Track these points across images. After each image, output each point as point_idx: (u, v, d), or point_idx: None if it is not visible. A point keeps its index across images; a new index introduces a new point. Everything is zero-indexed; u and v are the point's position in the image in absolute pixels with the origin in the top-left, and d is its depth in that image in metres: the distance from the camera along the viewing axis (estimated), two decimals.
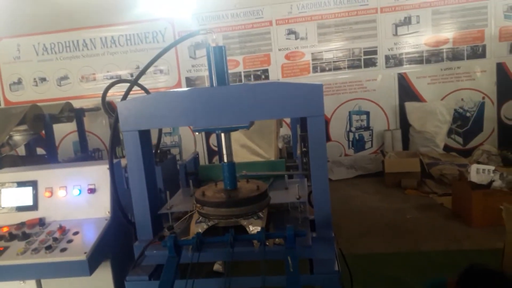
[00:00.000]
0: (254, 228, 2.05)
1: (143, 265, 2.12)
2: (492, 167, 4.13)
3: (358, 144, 7.05)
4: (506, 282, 1.51)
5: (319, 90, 1.90)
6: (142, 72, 2.16)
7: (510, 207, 2.46)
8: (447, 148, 6.69)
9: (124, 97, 2.16)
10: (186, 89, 2.19)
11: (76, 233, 2.12)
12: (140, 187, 2.15)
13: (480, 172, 4.07)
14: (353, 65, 6.85)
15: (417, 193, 5.68)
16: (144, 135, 2.14)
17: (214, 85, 2.01)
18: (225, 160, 2.20)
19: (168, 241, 1.88)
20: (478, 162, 5.13)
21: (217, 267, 3.73)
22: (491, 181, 4.05)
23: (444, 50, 6.63)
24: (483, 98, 6.64)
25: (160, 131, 2.77)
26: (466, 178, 4.26)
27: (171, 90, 2.00)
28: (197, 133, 6.93)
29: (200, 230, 2.05)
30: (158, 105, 1.98)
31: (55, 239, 2.06)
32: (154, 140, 2.48)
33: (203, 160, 6.98)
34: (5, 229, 2.18)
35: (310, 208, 2.43)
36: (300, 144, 2.84)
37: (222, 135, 2.19)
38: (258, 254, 1.99)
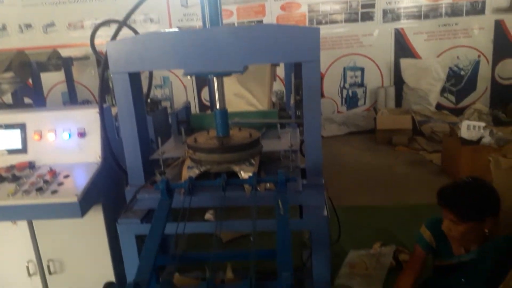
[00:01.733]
0: (245, 174, 2.07)
1: (135, 209, 2.15)
2: (482, 124, 4.17)
3: (351, 101, 7.04)
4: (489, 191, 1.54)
5: (315, 34, 1.85)
6: (131, 12, 2.08)
7: (498, 158, 2.51)
8: (439, 107, 6.71)
9: (113, 37, 2.09)
10: (177, 30, 2.11)
11: (66, 177, 2.12)
12: (131, 131, 2.13)
13: (470, 129, 4.11)
14: (350, 18, 6.70)
15: (408, 150, 5.76)
16: (134, 78, 2.10)
17: (207, 26, 1.95)
18: (218, 106, 2.17)
19: (160, 184, 1.89)
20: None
21: (208, 216, 3.79)
22: (481, 138, 4.10)
23: (443, 4, 6.49)
24: (479, 56, 6.59)
25: (150, 77, 2.72)
26: (457, 134, 4.30)
27: (163, 30, 1.93)
28: (188, 80, 6.76)
29: (192, 175, 2.05)
30: (149, 46, 1.92)
31: (45, 182, 2.06)
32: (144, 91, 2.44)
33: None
34: None
35: (302, 158, 2.45)
36: (294, 93, 2.82)
37: (215, 80, 2.15)
38: (250, 199, 2.02)
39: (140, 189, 2.15)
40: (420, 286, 1.85)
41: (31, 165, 2.22)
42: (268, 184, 2.09)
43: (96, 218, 2.23)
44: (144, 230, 1.98)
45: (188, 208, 1.89)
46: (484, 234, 1.56)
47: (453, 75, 6.70)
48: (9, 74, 4.68)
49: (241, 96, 3.11)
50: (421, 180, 4.48)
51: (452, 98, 6.86)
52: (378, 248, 2.98)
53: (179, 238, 1.72)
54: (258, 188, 2.05)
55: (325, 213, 2.12)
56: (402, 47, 6.66)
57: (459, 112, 6.55)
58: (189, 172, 2.09)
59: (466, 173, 4.04)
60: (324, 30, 6.69)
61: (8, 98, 5.59)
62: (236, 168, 2.09)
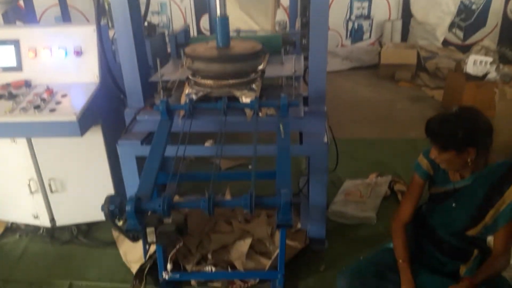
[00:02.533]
0: (247, 99, 2.04)
1: (135, 131, 2.15)
2: (490, 59, 4.07)
3: (356, 34, 6.82)
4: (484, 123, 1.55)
5: None
6: None
7: (504, 89, 2.46)
8: (446, 43, 6.53)
9: None
10: None
11: (64, 96, 2.09)
12: (129, 52, 2.07)
13: (477, 64, 4.02)
14: None
15: (410, 85, 5.68)
16: None
17: None
18: (218, 13, 2.04)
19: (160, 105, 1.87)
20: None
21: (207, 145, 3.82)
22: (486, 73, 4.03)
23: None
24: None
25: None
26: (462, 69, 4.22)
27: None
28: (187, 7, 6.38)
29: (192, 98, 2.02)
30: None
31: (43, 100, 2.04)
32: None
33: None
34: None
35: (304, 86, 2.41)
36: (300, 15, 2.70)
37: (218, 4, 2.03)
38: (251, 124, 2.01)
39: (139, 111, 2.14)
40: (416, 211, 1.89)
41: (27, 84, 2.18)
42: (269, 110, 2.08)
43: (95, 139, 2.24)
44: (144, 151, 1.99)
45: (189, 131, 1.89)
46: (469, 163, 1.57)
47: (464, 9, 6.44)
48: None
49: (244, 22, 2.99)
50: (421, 115, 4.47)
51: (460, 34, 6.65)
52: (374, 178, 3.04)
53: (179, 161, 1.73)
54: (260, 114, 2.04)
55: (325, 140, 2.13)
56: None
57: (466, 49, 6.37)
58: (188, 96, 2.05)
59: None
60: None
61: None
62: (237, 93, 2.06)
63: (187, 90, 2.10)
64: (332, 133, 2.37)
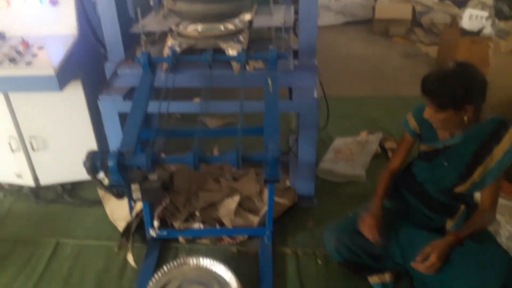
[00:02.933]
0: (233, 51, 1.98)
1: (117, 86, 2.09)
2: (485, 13, 4.00)
3: None
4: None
5: None
6: None
7: (499, 42, 2.43)
8: None
9: None
10: None
11: (40, 48, 2.01)
12: (108, 1, 1.98)
13: (472, 18, 3.95)
14: None
15: (404, 41, 5.60)
16: None
17: None
18: None
19: (141, 58, 1.81)
20: None
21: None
22: (482, 28, 3.97)
23: None
24: None
25: None
26: (457, 24, 4.15)
27: None
28: None
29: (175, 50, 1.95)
30: None
31: (18, 53, 1.96)
32: None
33: None
34: None
35: (295, 39, 2.34)
36: None
37: None
38: (238, 78, 1.97)
39: (120, 64, 2.08)
40: (405, 168, 1.91)
41: (1, 36, 2.09)
42: (257, 64, 2.03)
43: (76, 94, 2.18)
44: (127, 107, 1.94)
45: (172, 85, 1.84)
46: (465, 121, 1.56)
47: None
48: None
49: None
50: (415, 72, 4.43)
51: None
52: (365, 135, 3.04)
53: (164, 117, 1.69)
54: (247, 67, 1.99)
55: (315, 94, 2.09)
56: None
57: (462, 4, 6.23)
58: (172, 48, 1.99)
59: None
60: None
61: None
62: (223, 45, 2.00)
63: (170, 42, 2.03)
64: (323, 89, 2.33)
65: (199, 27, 2.08)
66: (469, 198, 1.77)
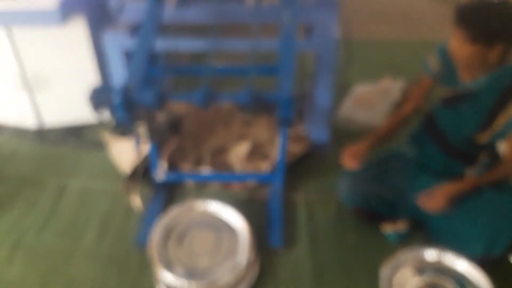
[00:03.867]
0: None
1: (123, 22, 2.05)
2: None
3: None
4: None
5: None
6: None
7: None
8: None
9: None
10: None
11: None
12: None
13: None
14: None
15: None
16: None
17: None
18: None
19: None
20: None
21: None
22: None
23: None
24: None
25: None
26: None
27: None
28: None
29: None
30: None
31: None
32: None
33: None
34: None
35: None
36: None
37: None
38: (251, 13, 1.91)
39: None
40: (426, 117, 1.88)
41: None
42: None
43: (79, 30, 2.16)
44: (133, 45, 1.92)
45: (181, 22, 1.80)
46: (490, 64, 1.51)
47: None
48: None
49: None
50: (444, 16, 4.27)
51: None
52: (387, 82, 2.98)
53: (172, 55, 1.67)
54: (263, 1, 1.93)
55: (336, 34, 2.03)
56: None
57: None
58: None
59: None
60: None
61: None
62: None
63: None
64: (344, 32, 2.26)
65: None
66: (492, 148, 1.74)
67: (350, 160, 1.75)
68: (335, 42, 2.03)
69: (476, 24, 1.44)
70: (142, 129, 1.56)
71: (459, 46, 1.50)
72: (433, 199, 1.63)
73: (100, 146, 2.43)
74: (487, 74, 1.57)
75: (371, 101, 2.79)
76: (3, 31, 2.12)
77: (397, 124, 1.89)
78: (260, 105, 1.44)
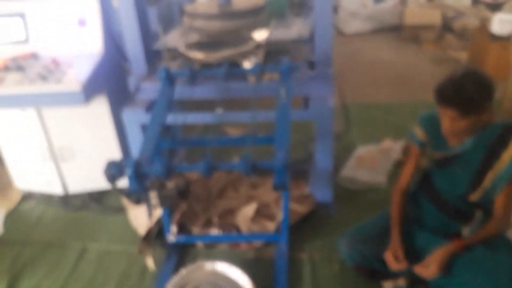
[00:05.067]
0: (249, 65, 2.11)
1: (139, 99, 2.26)
2: None
3: None
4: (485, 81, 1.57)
5: None
6: None
7: None
8: (475, 1, 6.31)
9: None
10: None
11: (69, 66, 2.21)
12: (130, 19, 2.16)
13: (502, 23, 3.93)
14: None
15: (435, 47, 5.58)
16: None
17: None
18: None
19: (161, 73, 1.97)
20: None
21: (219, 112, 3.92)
22: None
23: None
24: None
25: None
26: (487, 29, 4.13)
27: None
28: None
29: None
30: None
31: (49, 71, 2.16)
32: None
33: None
34: (0, 62, 2.26)
35: (310, 49, 2.45)
36: None
37: None
38: (253, 89, 2.09)
39: (143, 79, 2.25)
40: (421, 178, 1.96)
41: (34, 56, 2.30)
42: (274, 75, 2.14)
43: (102, 108, 2.37)
44: (149, 120, 2.10)
45: (190, 99, 1.98)
46: (480, 125, 1.60)
47: None
48: None
49: None
50: None
51: None
52: (388, 143, 3.08)
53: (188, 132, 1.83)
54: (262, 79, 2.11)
55: (331, 103, 2.18)
56: None
57: (497, 8, 6.15)
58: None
59: (493, 71, 4.01)
60: None
61: None
62: (239, 59, 2.13)
63: (191, 53, 2.18)
64: (343, 97, 2.41)
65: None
66: (487, 204, 1.79)
67: (396, 264, 1.77)
68: (331, 111, 2.17)
69: (462, 100, 1.52)
70: (153, 197, 1.70)
71: (453, 123, 1.58)
72: (428, 267, 1.66)
73: (120, 210, 2.58)
74: (473, 135, 1.65)
75: (373, 161, 2.88)
76: (33, 110, 2.36)
77: (403, 203, 1.93)
78: (259, 171, 1.56)
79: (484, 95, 1.53)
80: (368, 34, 6.48)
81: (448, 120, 1.59)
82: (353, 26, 6.59)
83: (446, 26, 5.78)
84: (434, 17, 5.78)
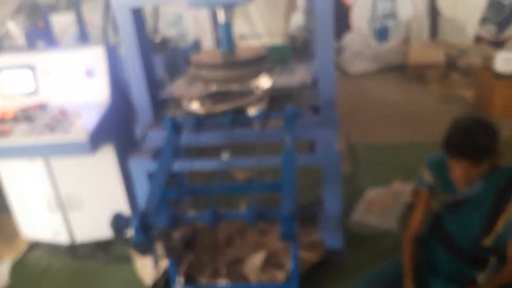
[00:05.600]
0: (253, 112, 2.12)
1: (146, 147, 2.27)
2: None
3: (381, 35, 6.79)
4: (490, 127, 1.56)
5: None
6: None
7: None
8: (478, 39, 6.41)
9: None
10: None
11: (77, 116, 2.24)
12: (137, 69, 2.20)
13: (506, 61, 3.96)
14: None
15: (440, 86, 5.61)
16: (137, 15, 2.13)
17: None
18: (222, 19, 2.14)
19: (166, 122, 1.99)
20: None
21: (224, 156, 3.92)
22: None
23: None
24: None
25: (155, 13, 2.73)
26: (491, 67, 4.16)
27: None
28: (203, 16, 6.50)
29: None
30: None
31: (57, 121, 2.19)
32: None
33: None
34: (10, 113, 2.31)
35: (315, 94, 2.47)
36: (308, 23, 2.79)
37: (221, 13, 2.15)
38: (257, 135, 2.09)
39: (150, 127, 2.27)
40: (432, 222, 1.92)
41: (43, 106, 2.35)
42: (278, 120, 2.15)
43: (108, 157, 2.39)
44: (155, 168, 2.11)
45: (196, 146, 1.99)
46: (489, 167, 1.59)
47: (494, 4, 6.31)
48: (20, 17, 4.77)
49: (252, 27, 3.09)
50: (451, 117, 4.41)
51: (493, 29, 6.51)
52: (398, 185, 3.04)
53: (195, 177, 1.83)
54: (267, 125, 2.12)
55: (337, 148, 2.18)
56: None
57: (500, 45, 6.24)
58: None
59: (500, 110, 4.01)
60: None
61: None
62: (244, 106, 2.15)
63: (194, 105, 2.21)
64: (350, 140, 2.41)
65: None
66: (500, 249, 1.74)
67: None
68: (338, 155, 2.16)
69: (475, 150, 1.52)
70: (159, 248, 1.67)
71: (465, 172, 1.56)
72: None
73: (127, 260, 2.53)
74: (482, 179, 1.63)
75: (383, 205, 2.84)
76: (41, 160, 2.38)
77: (415, 250, 1.88)
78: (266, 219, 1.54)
79: (493, 139, 1.53)
80: (373, 74, 6.55)
81: (461, 170, 1.57)
82: (358, 66, 6.68)
83: (451, 65, 5.84)
84: (438, 55, 5.85)
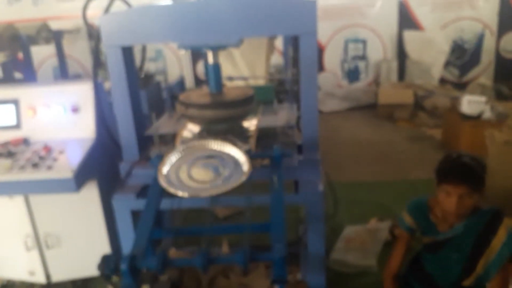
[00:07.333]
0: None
1: (130, 184, 2.21)
2: (483, 99, 4.21)
3: (352, 75, 7.03)
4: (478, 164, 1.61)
5: (312, 6, 1.87)
6: None
7: (493, 133, 2.56)
8: (442, 81, 6.73)
9: (106, 10, 2.11)
10: (171, 2, 2.13)
11: (61, 152, 2.17)
12: (124, 106, 2.17)
13: (471, 103, 4.15)
14: None
15: (409, 125, 5.81)
16: (127, 52, 2.13)
17: None
18: (210, 60, 2.13)
19: (154, 160, 1.95)
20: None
21: None
22: (481, 113, 4.15)
23: None
24: (484, 29, 6.56)
25: (143, 51, 2.74)
26: (457, 109, 4.35)
27: (156, 3, 1.95)
28: (183, 56, 6.63)
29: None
30: (143, 19, 1.95)
31: (41, 158, 2.12)
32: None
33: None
34: None
35: (298, 134, 2.50)
36: (291, 66, 2.85)
37: (210, 55, 2.17)
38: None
39: (134, 165, 2.22)
40: (412, 261, 1.94)
41: (26, 141, 2.27)
42: (263, 161, 2.15)
43: (91, 194, 2.30)
44: (140, 205, 2.04)
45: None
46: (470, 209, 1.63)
47: (457, 48, 6.68)
48: None
49: (237, 70, 3.14)
50: (421, 155, 4.55)
51: (456, 72, 6.86)
52: (375, 223, 3.07)
53: (175, 213, 1.79)
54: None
55: (320, 188, 2.18)
56: (406, 19, 6.62)
57: (462, 87, 6.57)
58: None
59: (466, 148, 4.17)
60: (326, 1, 6.62)
61: None
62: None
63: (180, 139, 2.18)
64: (329, 179, 2.43)
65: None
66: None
67: None
68: (321, 195, 2.16)
69: (473, 175, 1.57)
70: None
71: (460, 202, 1.59)
72: None
73: None
74: (462, 221, 1.66)
75: (362, 242, 2.85)
76: (20, 197, 2.27)
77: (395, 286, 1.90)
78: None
79: (485, 172, 1.58)
80: (344, 112, 6.73)
81: (457, 199, 1.59)
82: (330, 104, 6.85)
83: (418, 105, 6.07)
84: (406, 96, 6.08)
